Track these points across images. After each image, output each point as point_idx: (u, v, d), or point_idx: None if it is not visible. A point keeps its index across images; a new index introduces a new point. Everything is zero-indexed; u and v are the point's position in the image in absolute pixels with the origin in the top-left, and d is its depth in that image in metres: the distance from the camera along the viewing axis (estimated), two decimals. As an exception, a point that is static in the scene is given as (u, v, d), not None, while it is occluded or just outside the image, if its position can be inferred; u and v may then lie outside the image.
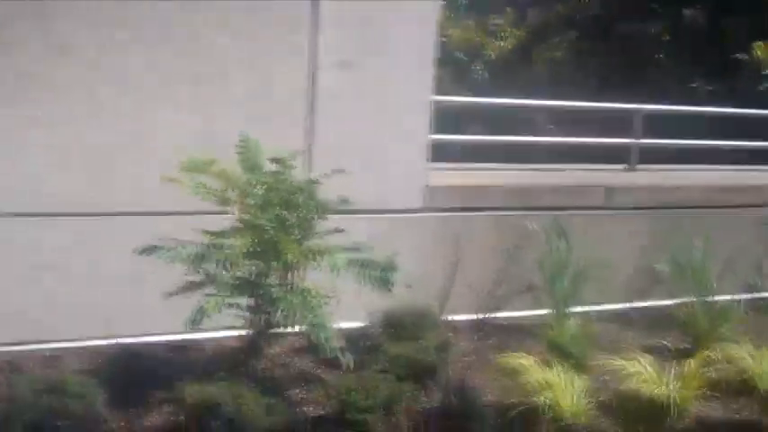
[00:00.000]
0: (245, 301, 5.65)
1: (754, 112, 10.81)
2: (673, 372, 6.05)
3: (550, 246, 7.51)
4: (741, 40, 13.57)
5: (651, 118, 9.69)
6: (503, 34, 20.40)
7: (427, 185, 7.48)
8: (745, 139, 10.61)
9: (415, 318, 6.60)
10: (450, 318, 7.29)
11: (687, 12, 15.33)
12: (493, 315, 7.61)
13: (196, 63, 6.52)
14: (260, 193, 5.64)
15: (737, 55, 13.41)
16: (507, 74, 17.70)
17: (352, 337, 6.11)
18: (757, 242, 8.82)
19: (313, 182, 5.78)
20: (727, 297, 7.94)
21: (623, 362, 6.13)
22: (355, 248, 5.72)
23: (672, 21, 15.31)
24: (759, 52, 13.53)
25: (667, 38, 15.60)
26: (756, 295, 8.48)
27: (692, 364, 6.07)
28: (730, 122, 10.76)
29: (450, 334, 7.05)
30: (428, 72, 7.43)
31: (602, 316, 7.67)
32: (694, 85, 13.49)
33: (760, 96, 12.57)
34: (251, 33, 6.65)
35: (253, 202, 5.60)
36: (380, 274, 5.60)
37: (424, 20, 7.34)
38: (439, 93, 7.87)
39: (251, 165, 5.78)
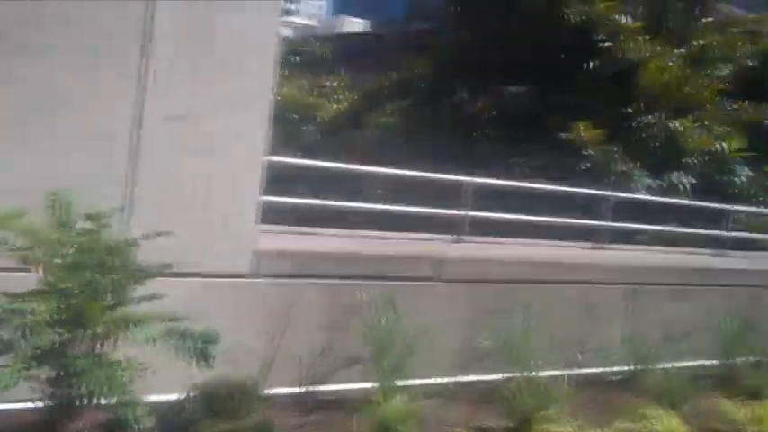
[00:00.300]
0: (46, 372, 5.06)
1: (578, 190, 11.15)
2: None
3: (378, 317, 7.32)
4: (565, 120, 14.11)
5: (478, 190, 9.76)
6: (336, 97, 20.46)
7: (255, 249, 7.10)
8: (567, 216, 10.89)
9: (234, 392, 6.20)
10: (272, 391, 6.90)
11: (514, 89, 15.84)
12: (318, 389, 7.28)
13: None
14: (70, 253, 5.11)
15: (562, 134, 13.90)
16: (339, 137, 17.66)
17: (166, 413, 5.64)
18: (579, 317, 8.97)
19: (130, 243, 5.31)
20: (552, 372, 8.01)
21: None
22: (174, 317, 5.27)
23: (501, 98, 15.78)
24: (580, 132, 14.06)
25: (494, 113, 16.05)
26: (578, 371, 8.59)
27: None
28: (555, 198, 11.04)
29: (271, 410, 6.65)
30: (262, 130, 7.12)
31: (428, 390, 7.48)
32: (520, 161, 13.87)
33: (582, 174, 13.07)
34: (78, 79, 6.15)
35: (61, 262, 5.06)
36: (200, 347, 5.17)
37: (261, 76, 7.07)
38: (269, 153, 7.56)
39: (62, 221, 5.25)
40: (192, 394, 6.18)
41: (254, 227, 7.16)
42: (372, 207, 9.69)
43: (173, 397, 6.15)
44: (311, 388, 7.30)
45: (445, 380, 7.81)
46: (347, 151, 15.24)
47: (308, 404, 7.06)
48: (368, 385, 7.32)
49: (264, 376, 6.93)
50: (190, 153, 6.67)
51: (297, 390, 7.23)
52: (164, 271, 5.33)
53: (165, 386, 5.68)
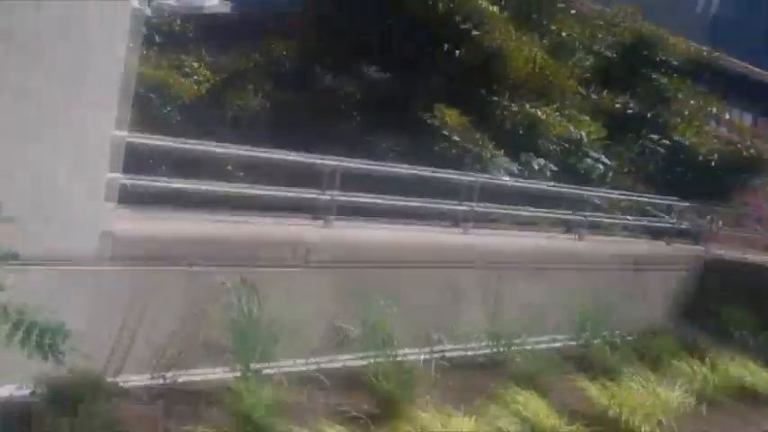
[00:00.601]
0: None
1: (445, 174, 11.15)
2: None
3: (241, 303, 7.05)
4: (432, 105, 14.09)
5: (346, 174, 9.57)
6: (197, 77, 19.81)
7: (110, 234, 6.66)
8: (434, 200, 10.86)
9: (84, 384, 5.80)
10: (129, 383, 6.54)
11: (380, 73, 15.71)
12: (178, 379, 6.94)
13: None
14: None
15: (424, 115, 13.86)
16: (200, 118, 17.07)
17: (6, 407, 5.19)
18: (445, 300, 8.96)
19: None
20: (418, 355, 7.98)
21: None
22: (21, 310, 4.82)
23: (367, 82, 15.61)
24: (443, 115, 14.05)
25: (359, 97, 15.88)
26: (444, 353, 8.59)
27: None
28: (423, 182, 10.98)
29: (124, 402, 6.28)
30: (111, 108, 6.63)
31: (292, 376, 7.27)
32: (387, 145, 13.75)
33: (448, 159, 13.07)
34: None
35: None
36: (49, 341, 4.75)
37: (108, 51, 6.56)
38: (127, 134, 7.10)
39: None
40: (39, 389, 5.74)
41: (105, 211, 6.71)
42: (236, 190, 9.33)
43: (18, 392, 5.69)
44: (171, 378, 6.95)
45: (311, 365, 7.61)
46: (210, 133, 14.75)
47: (168, 395, 6.71)
48: (231, 374, 7.06)
49: (120, 367, 6.57)
50: (28, 133, 6.15)
51: (156, 381, 6.86)
52: (9, 260, 4.87)
53: (6, 377, 5.23)
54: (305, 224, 9.13)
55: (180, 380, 7.02)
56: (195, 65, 20.77)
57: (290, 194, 9.62)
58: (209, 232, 7.69)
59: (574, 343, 10.17)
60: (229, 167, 12.60)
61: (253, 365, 6.92)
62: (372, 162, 10.60)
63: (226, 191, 10.09)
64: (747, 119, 28.77)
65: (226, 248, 7.51)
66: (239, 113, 17.43)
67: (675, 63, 18.83)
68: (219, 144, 9.62)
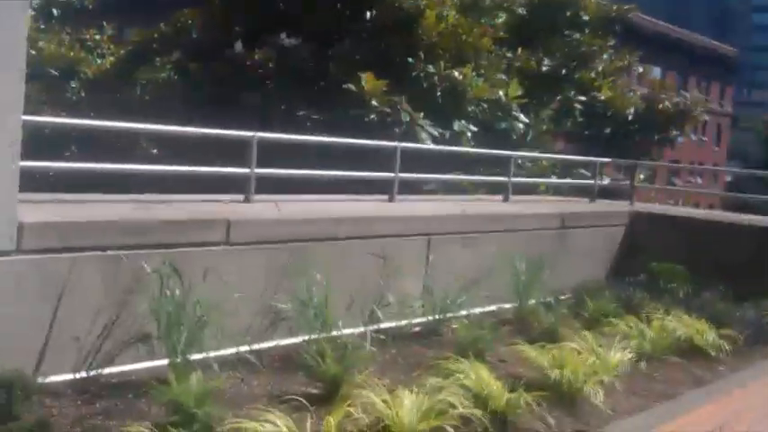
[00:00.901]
0: None
1: (368, 143, 10.86)
2: (309, 428, 5.51)
3: (165, 288, 6.66)
4: (348, 71, 13.77)
5: (264, 146, 9.15)
6: (101, 51, 19.04)
7: (12, 220, 6.14)
8: (358, 169, 10.56)
9: (2, 384, 5.36)
10: (50, 380, 6.10)
11: (293, 40, 15.27)
12: (104, 372, 6.54)
13: None
14: None
15: (348, 85, 13.53)
16: (107, 94, 16.40)
17: None
18: (378, 272, 8.71)
19: None
20: (354, 330, 7.75)
21: (255, 424, 5.44)
22: None
23: (280, 49, 15.15)
24: (362, 83, 13.77)
25: (272, 65, 15.42)
26: (381, 327, 8.36)
27: (330, 422, 5.57)
28: (347, 152, 10.68)
29: (50, 401, 5.87)
30: (8, 86, 6.11)
31: (227, 362, 6.92)
32: (305, 114, 13.41)
33: (369, 126, 12.81)
34: None
35: None
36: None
37: (9, 27, 6.04)
38: (28, 113, 6.56)
39: None
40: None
41: (9, 198, 6.18)
42: (149, 168, 8.88)
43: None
44: (96, 372, 6.54)
45: (244, 349, 7.26)
46: (117, 109, 14.15)
47: (93, 390, 6.29)
48: (159, 363, 6.69)
49: (39, 364, 6.14)
50: None
51: (80, 375, 6.44)
52: None
53: None
54: (225, 201, 8.73)
55: (105, 372, 6.61)
56: (97, 37, 20.00)
57: (205, 170, 9.24)
58: (126, 215, 7.22)
59: (509, 306, 10.06)
60: (144, 145, 12.09)
61: (181, 352, 6.54)
62: (291, 133, 10.24)
63: (139, 170, 9.64)
64: (657, 73, 29.32)
65: (144, 231, 7.06)
66: (148, 87, 16.80)
67: (586, 18, 18.88)
68: (128, 123, 9.13)
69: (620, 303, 10.26)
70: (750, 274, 11.38)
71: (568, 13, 18.56)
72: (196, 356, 6.70)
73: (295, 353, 7.28)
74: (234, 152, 9.31)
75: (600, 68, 19.06)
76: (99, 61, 18.52)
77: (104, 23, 19.52)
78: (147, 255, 6.82)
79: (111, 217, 7.04)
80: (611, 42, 19.30)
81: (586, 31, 18.80)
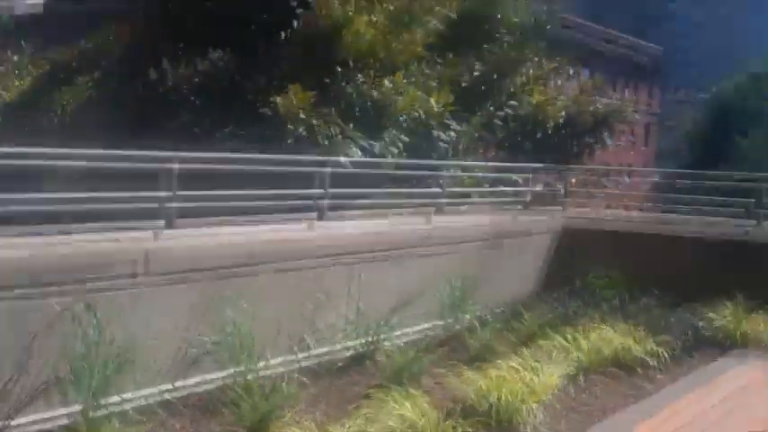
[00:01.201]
0: None
1: (300, 157, 10.48)
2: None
3: (77, 330, 6.25)
4: (271, 87, 13.36)
5: (186, 169, 8.63)
6: (19, 72, 18.32)
7: None
8: (283, 188, 10.11)
9: None
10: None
11: (214, 57, 14.75)
12: (12, 423, 6.08)
13: None
14: None
15: (265, 97, 13.09)
16: (23, 118, 15.76)
17: None
18: (304, 300, 8.35)
19: None
20: (281, 364, 7.40)
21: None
22: None
23: (200, 67, 14.62)
24: (291, 98, 13.31)
25: (195, 82, 14.88)
26: (310, 358, 8.02)
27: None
28: (272, 172, 10.21)
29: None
30: None
31: (145, 406, 6.52)
32: (226, 132, 12.93)
33: (294, 142, 12.41)
34: None
35: None
36: None
37: None
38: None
39: None
40: None
41: None
42: (56, 197, 8.14)
43: None
44: (2, 424, 6.08)
45: (163, 389, 6.84)
46: (32, 133, 13.57)
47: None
48: (72, 409, 6.27)
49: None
50: None
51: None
52: None
53: None
54: (143, 231, 8.11)
55: (13, 423, 6.15)
56: (15, 59, 19.26)
57: (119, 196, 8.52)
58: (37, 252, 6.70)
59: (443, 322, 9.80)
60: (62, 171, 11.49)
61: (95, 398, 6.13)
62: (212, 152, 9.80)
63: (43, 198, 9.00)
64: (585, 74, 29.48)
65: (58, 268, 6.58)
66: (68, 108, 16.16)
67: (504, 32, 18.63)
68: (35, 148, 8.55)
69: (555, 314, 10.08)
70: (682, 281, 11.30)
71: (486, 27, 18.36)
72: (114, 399, 6.29)
73: (220, 390, 6.90)
74: (153, 176, 8.79)
75: (530, 72, 18.94)
76: (18, 83, 17.82)
77: (23, 43, 18.81)
78: (55, 295, 6.36)
79: (20, 254, 6.52)
80: (542, 44, 19.20)
81: (508, 41, 18.56)
